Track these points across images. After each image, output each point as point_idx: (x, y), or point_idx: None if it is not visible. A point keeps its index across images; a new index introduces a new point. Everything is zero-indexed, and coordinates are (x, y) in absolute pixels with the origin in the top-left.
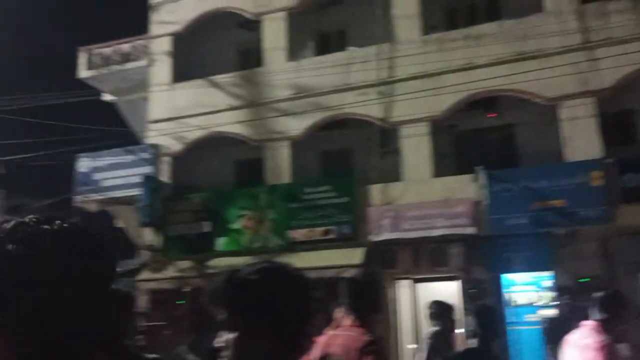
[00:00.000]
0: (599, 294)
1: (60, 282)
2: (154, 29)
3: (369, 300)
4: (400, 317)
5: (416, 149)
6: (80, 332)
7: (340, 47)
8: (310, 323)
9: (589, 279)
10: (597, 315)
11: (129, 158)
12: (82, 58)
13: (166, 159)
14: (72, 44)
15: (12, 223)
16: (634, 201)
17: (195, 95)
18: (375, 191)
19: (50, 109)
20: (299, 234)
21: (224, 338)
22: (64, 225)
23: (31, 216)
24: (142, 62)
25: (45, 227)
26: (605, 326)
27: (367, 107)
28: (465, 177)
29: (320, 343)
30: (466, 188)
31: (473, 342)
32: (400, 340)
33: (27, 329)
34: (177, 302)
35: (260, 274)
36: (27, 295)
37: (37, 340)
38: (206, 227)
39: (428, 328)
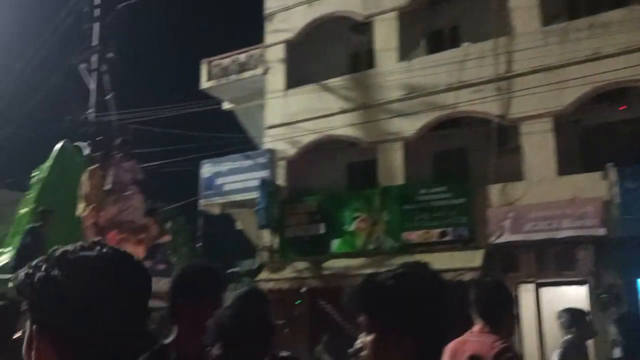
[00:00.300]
0: None
1: (95, 301)
2: (269, 37)
3: (500, 305)
4: (522, 323)
5: (539, 147)
6: (117, 343)
7: (454, 44)
8: (447, 329)
9: None
10: None
11: (247, 163)
12: (204, 70)
13: (281, 163)
14: (195, 57)
15: (59, 251)
16: None
17: (309, 100)
18: (494, 192)
19: (177, 119)
20: (414, 236)
21: (361, 340)
22: (103, 251)
23: (79, 243)
24: (258, 71)
25: (86, 253)
26: None
27: (484, 104)
28: (594, 175)
29: (448, 349)
30: (595, 187)
31: (616, 352)
32: (523, 346)
33: (69, 338)
34: (294, 302)
35: (397, 280)
36: (70, 312)
37: (77, 348)
38: (321, 229)
39: (560, 336)
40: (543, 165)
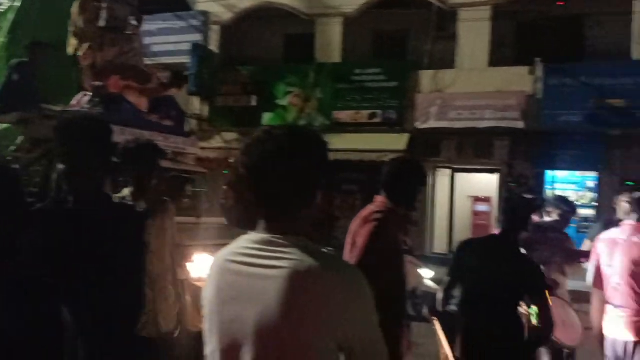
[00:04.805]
0: (638, 195)
1: None
2: None
3: (403, 180)
4: (436, 204)
5: (474, 35)
6: None
7: None
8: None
9: (634, 183)
10: (637, 215)
11: (179, 24)
12: None
13: (215, 27)
14: None
15: None
16: None
17: None
18: (426, 77)
19: None
20: (344, 116)
21: None
22: None
23: None
24: None
25: None
26: None
27: None
28: (523, 69)
29: (357, 217)
30: (522, 80)
31: (495, 230)
32: (435, 225)
33: None
34: (222, 172)
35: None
36: None
37: None
38: (253, 100)
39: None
40: (476, 54)
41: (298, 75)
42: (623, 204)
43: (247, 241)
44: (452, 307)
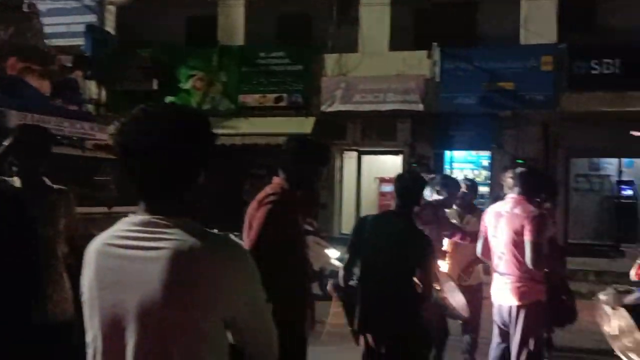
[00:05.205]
0: (519, 171)
1: None
2: None
3: (298, 159)
4: (344, 185)
5: (375, 20)
6: None
7: None
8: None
9: (524, 161)
10: (518, 189)
11: (71, 4)
12: None
13: (111, 8)
14: None
15: None
16: (580, 88)
17: None
18: (331, 61)
19: None
20: (250, 99)
21: None
22: None
23: None
24: None
25: None
26: (528, 199)
27: None
28: (422, 53)
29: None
30: (420, 64)
31: (393, 205)
32: (343, 205)
33: None
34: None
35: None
36: None
37: None
38: (154, 84)
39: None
40: (377, 39)
41: (201, 58)
42: (508, 179)
43: (127, 223)
44: (354, 282)
